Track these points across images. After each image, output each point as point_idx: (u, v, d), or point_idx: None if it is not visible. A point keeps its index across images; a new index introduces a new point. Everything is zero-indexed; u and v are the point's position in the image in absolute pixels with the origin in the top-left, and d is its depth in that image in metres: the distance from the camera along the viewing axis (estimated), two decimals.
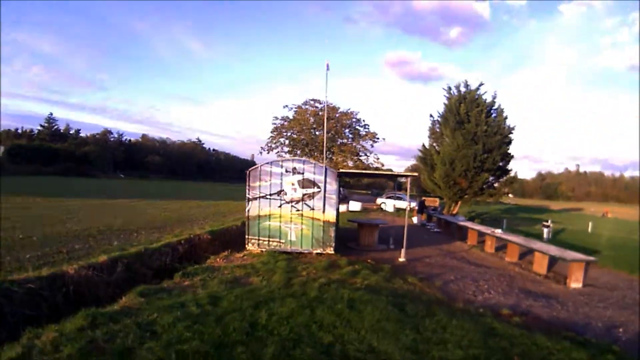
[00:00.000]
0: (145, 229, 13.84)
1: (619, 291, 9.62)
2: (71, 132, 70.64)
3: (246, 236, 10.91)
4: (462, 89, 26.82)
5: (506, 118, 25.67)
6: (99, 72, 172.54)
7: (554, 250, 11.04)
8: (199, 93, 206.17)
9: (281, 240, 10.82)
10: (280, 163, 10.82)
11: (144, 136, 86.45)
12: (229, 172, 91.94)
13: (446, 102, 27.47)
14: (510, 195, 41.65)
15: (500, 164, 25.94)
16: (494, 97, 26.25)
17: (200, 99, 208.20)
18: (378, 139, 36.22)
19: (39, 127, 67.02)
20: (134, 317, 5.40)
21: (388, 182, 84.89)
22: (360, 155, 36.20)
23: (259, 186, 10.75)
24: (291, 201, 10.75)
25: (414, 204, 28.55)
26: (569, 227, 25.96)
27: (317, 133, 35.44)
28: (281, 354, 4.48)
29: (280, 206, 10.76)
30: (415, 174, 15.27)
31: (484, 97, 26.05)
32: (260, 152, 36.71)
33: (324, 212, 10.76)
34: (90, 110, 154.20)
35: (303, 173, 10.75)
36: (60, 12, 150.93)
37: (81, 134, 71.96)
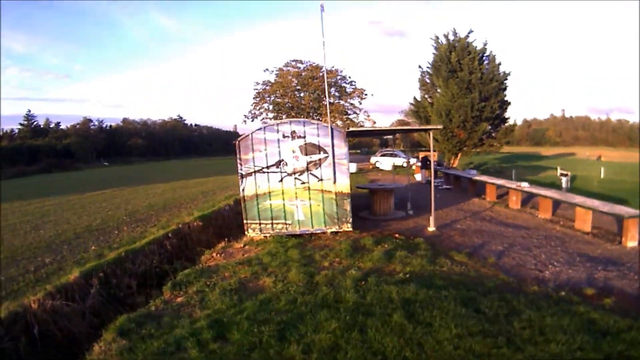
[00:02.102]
0: (128, 223, 11.92)
1: None
2: (51, 125, 68.39)
3: (244, 221, 9.03)
4: (451, 38, 25.20)
5: (499, 64, 24.44)
6: (75, 63, 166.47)
7: (601, 205, 9.41)
8: (177, 69, 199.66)
9: (287, 222, 8.98)
10: (276, 127, 8.79)
11: (124, 120, 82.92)
12: (213, 146, 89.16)
13: (435, 52, 25.90)
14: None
15: (498, 112, 24.88)
16: (485, 44, 24.76)
17: (178, 75, 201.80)
18: (366, 95, 34.07)
19: (19, 126, 64.74)
20: None
21: (373, 140, 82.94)
22: (350, 114, 34.13)
23: (253, 158, 8.76)
24: (294, 172, 8.83)
25: (412, 161, 27.00)
26: (580, 174, 24.62)
27: (301, 95, 33.13)
28: None
29: (281, 180, 8.84)
30: (440, 126, 13.40)
31: (474, 44, 24.63)
32: (244, 121, 34.34)
33: (334, 182, 8.87)
34: (69, 102, 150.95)
35: (305, 137, 8.76)
36: (29, 9, 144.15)
37: (62, 127, 69.44)
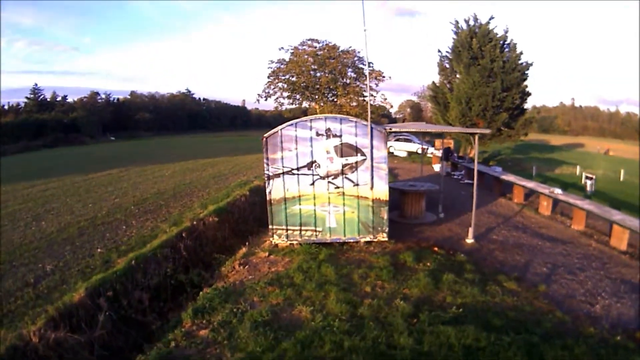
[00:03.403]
0: (136, 215, 11.07)
1: None
2: (58, 99, 65.66)
3: (269, 226, 8.13)
4: (472, 23, 24.02)
5: (521, 54, 23.24)
6: (83, 36, 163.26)
7: None
8: (186, 43, 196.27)
9: (317, 229, 8.08)
10: (309, 123, 7.77)
11: (132, 93, 79.75)
12: (221, 121, 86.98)
13: (454, 36, 24.77)
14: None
15: (518, 102, 23.80)
16: (506, 32, 23.48)
17: (187, 48, 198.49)
18: (384, 77, 32.59)
19: (25, 100, 62.11)
20: None
21: (382, 120, 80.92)
22: (365, 96, 32.78)
23: (282, 158, 7.80)
24: (327, 176, 7.88)
25: (428, 148, 25.94)
26: (597, 172, 23.50)
27: (317, 75, 31.73)
28: None
29: (313, 184, 7.89)
30: (487, 130, 12.35)
31: (495, 31, 23.47)
32: (258, 100, 32.98)
33: (372, 187, 7.92)
34: (77, 75, 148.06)
35: (341, 135, 7.76)
36: None
37: (68, 100, 66.79)
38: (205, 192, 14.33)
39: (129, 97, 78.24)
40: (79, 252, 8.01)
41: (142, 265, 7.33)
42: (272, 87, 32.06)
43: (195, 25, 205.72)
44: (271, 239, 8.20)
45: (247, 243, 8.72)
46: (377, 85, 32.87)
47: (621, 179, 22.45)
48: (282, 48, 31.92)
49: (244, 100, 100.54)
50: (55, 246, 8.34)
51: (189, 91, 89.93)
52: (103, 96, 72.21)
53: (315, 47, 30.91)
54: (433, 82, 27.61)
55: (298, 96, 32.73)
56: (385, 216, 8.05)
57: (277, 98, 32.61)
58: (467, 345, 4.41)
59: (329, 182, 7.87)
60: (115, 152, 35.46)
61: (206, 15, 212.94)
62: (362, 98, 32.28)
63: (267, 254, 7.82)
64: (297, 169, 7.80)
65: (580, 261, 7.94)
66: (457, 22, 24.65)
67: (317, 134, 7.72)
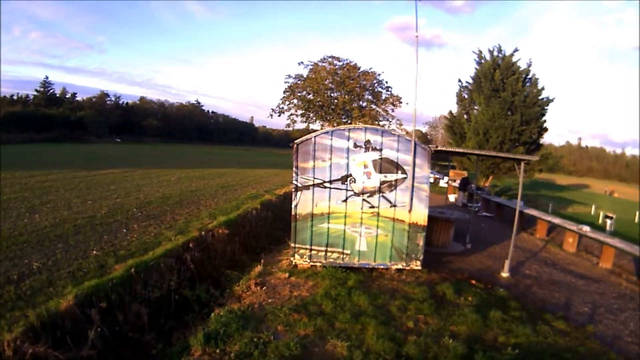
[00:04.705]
0: (139, 219, 10.15)
1: None
2: (67, 96, 66.01)
3: (292, 244, 7.22)
4: (495, 54, 23.88)
5: (543, 89, 22.97)
6: (98, 35, 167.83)
7: None
8: (198, 55, 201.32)
9: (345, 251, 7.17)
10: (347, 133, 6.97)
11: (142, 99, 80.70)
12: (227, 135, 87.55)
13: (477, 67, 24.63)
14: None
15: (535, 137, 23.59)
16: (529, 65, 23.27)
17: (199, 61, 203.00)
18: (402, 102, 31.99)
19: (35, 92, 62.15)
20: None
21: None
22: (380, 120, 32.10)
23: (313, 168, 6.96)
24: (362, 192, 7.02)
25: (442, 177, 25.31)
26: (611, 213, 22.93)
27: (333, 95, 31.10)
28: None
29: (345, 200, 7.03)
30: (536, 157, 11.82)
31: (518, 64, 23.20)
32: (271, 115, 32.02)
33: (410, 209, 7.06)
34: (88, 73, 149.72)
35: (381, 149, 6.94)
36: None
37: (77, 98, 67.24)
38: (213, 202, 13.47)
39: (138, 102, 78.96)
40: (72, 251, 7.08)
41: (142, 274, 6.40)
42: (288, 102, 31.40)
43: (210, 35, 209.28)
44: (292, 258, 7.27)
45: (261, 261, 7.77)
46: (392, 110, 32.29)
47: (636, 220, 21.81)
48: (302, 63, 31.36)
49: (252, 117, 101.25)
50: (46, 242, 7.40)
51: (199, 102, 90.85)
52: (112, 98, 72.87)
53: (336, 66, 30.34)
54: (450, 112, 27.36)
55: (312, 114, 32.02)
56: (422, 243, 7.20)
57: (290, 115, 31.94)
58: None
59: (363, 200, 7.01)
60: (121, 153, 34.75)
61: (222, 26, 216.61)
62: (377, 122, 31.65)
63: (287, 274, 6.88)
64: (330, 181, 6.95)
65: (616, 301, 7.61)
66: (480, 52, 24.56)
67: (355, 145, 6.91)
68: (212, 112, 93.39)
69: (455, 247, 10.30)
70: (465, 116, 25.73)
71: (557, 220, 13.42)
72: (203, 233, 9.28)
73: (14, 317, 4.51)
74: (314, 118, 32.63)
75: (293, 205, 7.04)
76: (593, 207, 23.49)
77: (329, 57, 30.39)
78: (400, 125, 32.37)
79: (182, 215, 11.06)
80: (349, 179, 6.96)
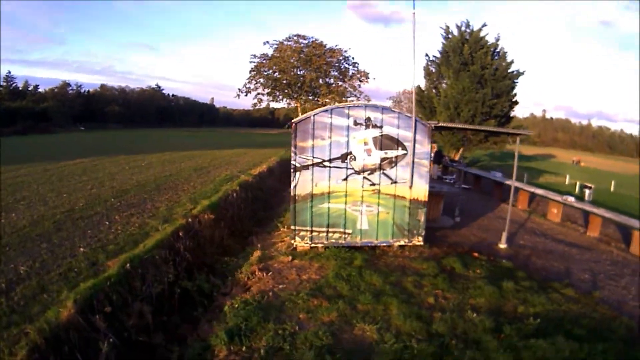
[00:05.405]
0: (118, 209, 9.61)
1: None
2: (30, 88, 64.83)
3: (292, 227, 7.00)
4: (463, 29, 23.89)
5: (512, 62, 23.32)
6: (57, 27, 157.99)
7: None
8: (158, 40, 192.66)
9: (346, 231, 7.05)
10: (346, 110, 6.75)
11: (102, 86, 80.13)
12: (189, 117, 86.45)
13: (444, 41, 24.60)
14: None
15: (506, 110, 23.85)
16: (497, 40, 23.41)
17: (159, 46, 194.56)
18: (369, 78, 31.88)
19: None
20: None
21: None
22: (348, 97, 31.92)
23: (312, 147, 6.71)
24: (363, 170, 6.86)
25: None
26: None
27: (300, 73, 30.55)
28: None
29: (346, 179, 6.85)
30: (532, 132, 11.83)
31: (486, 39, 23.32)
32: (238, 95, 31.29)
33: (411, 186, 7.00)
34: (50, 65, 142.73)
35: (382, 126, 6.78)
36: None
37: (40, 90, 66.13)
38: (190, 186, 13.03)
39: (99, 89, 78.25)
40: (58, 251, 6.55)
41: (139, 270, 6.03)
42: (254, 82, 30.60)
43: (169, 19, 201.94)
44: (292, 241, 7.07)
45: (258, 245, 7.54)
46: (359, 86, 32.17)
47: (612, 189, 22.63)
48: (267, 42, 30.59)
49: (212, 99, 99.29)
50: (29, 243, 6.80)
51: (159, 87, 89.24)
52: (74, 87, 72.10)
53: (301, 44, 29.73)
54: (418, 86, 27.31)
55: (278, 93, 31.42)
56: (423, 218, 7.18)
57: (257, 94, 31.21)
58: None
59: (364, 177, 6.86)
60: (86, 142, 33.03)
61: (176, 11, 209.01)
62: (345, 98, 31.46)
63: (289, 258, 6.69)
64: (330, 160, 6.74)
65: (612, 267, 7.82)
66: (447, 27, 24.44)
67: (355, 123, 6.71)
68: (173, 95, 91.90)
69: (444, 220, 10.42)
70: (434, 90, 25.60)
71: (540, 191, 13.74)
72: (190, 220, 8.91)
73: (13, 335, 4.05)
74: (280, 96, 32.10)
75: (292, 187, 6.80)
76: (567, 177, 24.20)
77: (295, 35, 29.89)
78: (369, 101, 32.32)
79: (162, 202, 10.58)
80: (349, 157, 6.78)
